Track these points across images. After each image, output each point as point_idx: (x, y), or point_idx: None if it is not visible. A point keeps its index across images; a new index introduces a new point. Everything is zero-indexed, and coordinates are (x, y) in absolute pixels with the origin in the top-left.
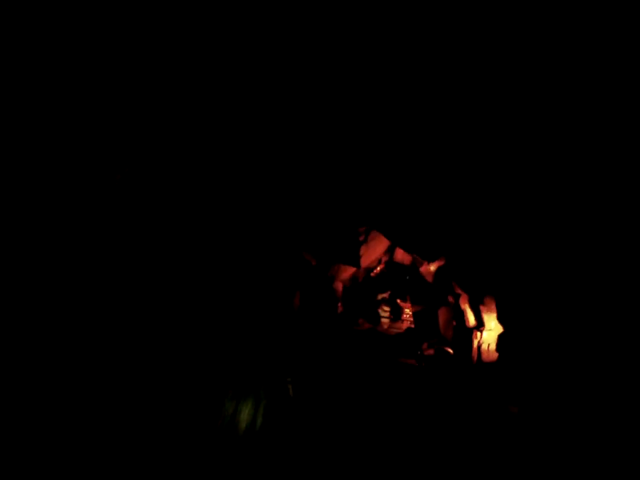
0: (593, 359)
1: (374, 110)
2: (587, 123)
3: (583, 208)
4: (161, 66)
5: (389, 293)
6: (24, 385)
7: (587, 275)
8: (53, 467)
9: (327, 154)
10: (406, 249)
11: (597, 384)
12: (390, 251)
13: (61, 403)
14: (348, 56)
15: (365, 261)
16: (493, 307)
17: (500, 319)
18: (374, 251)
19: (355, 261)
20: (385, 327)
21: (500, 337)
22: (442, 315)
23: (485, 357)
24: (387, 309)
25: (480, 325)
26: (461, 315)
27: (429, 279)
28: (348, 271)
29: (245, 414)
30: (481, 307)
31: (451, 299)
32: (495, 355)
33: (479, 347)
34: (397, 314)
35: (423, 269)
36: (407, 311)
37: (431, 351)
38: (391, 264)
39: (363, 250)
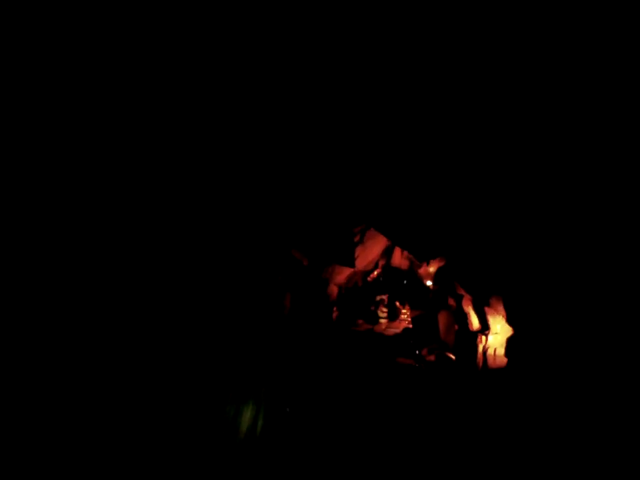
0: (610, 366)
1: (372, 105)
2: (586, 122)
3: (593, 200)
4: (160, 66)
5: (387, 295)
6: (26, 386)
7: (603, 271)
8: (54, 468)
9: (322, 149)
10: (405, 248)
11: (617, 394)
12: (387, 253)
13: (64, 406)
14: (347, 55)
15: (361, 263)
16: (500, 308)
17: (509, 321)
18: (370, 252)
19: (350, 262)
20: (383, 327)
21: (509, 340)
22: (442, 319)
23: (491, 362)
24: (384, 309)
25: (485, 328)
26: (464, 318)
27: (429, 280)
28: (343, 274)
29: (246, 417)
30: (486, 309)
31: (452, 301)
32: (503, 361)
33: (485, 352)
34: (394, 314)
35: (421, 271)
36: (405, 311)
37: (432, 357)
38: (388, 268)
39: (358, 251)
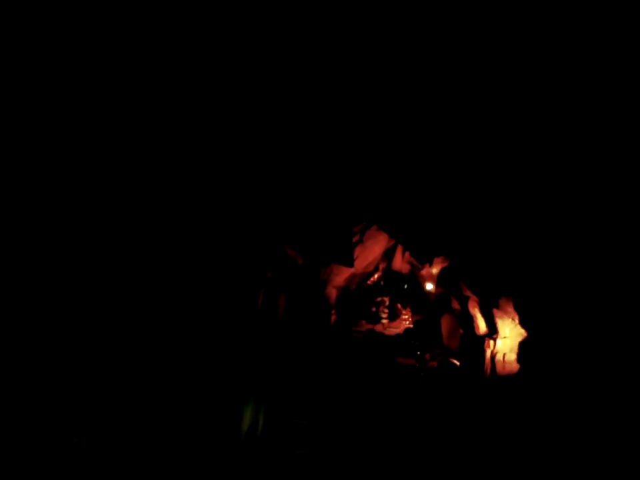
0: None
1: (373, 101)
2: (587, 122)
3: (608, 192)
4: (159, 66)
5: (388, 297)
6: (26, 386)
7: (620, 266)
8: (54, 468)
9: (322, 143)
10: (406, 247)
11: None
12: (388, 255)
13: (65, 406)
14: (345, 52)
15: (361, 264)
16: (510, 309)
17: (522, 323)
18: (371, 253)
19: (349, 263)
20: (384, 327)
21: (522, 344)
22: (445, 323)
23: (500, 369)
24: (385, 310)
25: (493, 332)
26: (470, 322)
27: (431, 282)
28: (342, 275)
29: (247, 417)
30: (494, 311)
31: (456, 304)
32: (515, 367)
33: (493, 357)
34: (395, 314)
35: (424, 272)
36: (406, 313)
37: (435, 363)
38: (389, 272)
39: (358, 251)
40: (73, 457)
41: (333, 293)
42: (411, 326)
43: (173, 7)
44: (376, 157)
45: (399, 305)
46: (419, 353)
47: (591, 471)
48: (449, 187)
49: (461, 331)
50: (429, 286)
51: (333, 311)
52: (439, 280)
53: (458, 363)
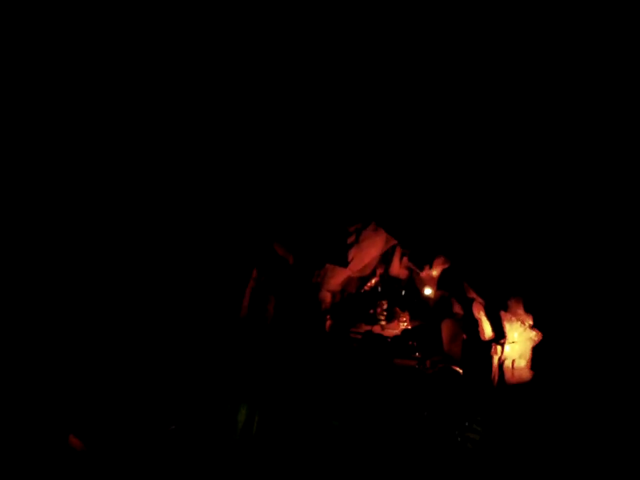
0: None
1: (373, 95)
2: (590, 121)
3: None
4: (159, 67)
5: (386, 301)
6: (25, 386)
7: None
8: (53, 467)
9: (316, 141)
10: (405, 248)
11: None
12: (385, 258)
13: (62, 403)
14: (340, 50)
15: (356, 266)
16: (520, 311)
17: (536, 326)
18: (367, 254)
19: (343, 264)
20: (382, 328)
21: (535, 349)
22: (446, 328)
23: (509, 376)
24: (383, 311)
25: (499, 336)
26: (474, 326)
27: (431, 287)
28: (337, 278)
29: (242, 415)
30: (502, 314)
31: (457, 308)
32: (525, 374)
33: (501, 364)
34: (392, 316)
35: (424, 275)
36: (404, 316)
37: (435, 371)
38: (386, 277)
39: (353, 253)
40: (71, 456)
41: (327, 296)
42: (409, 327)
43: (172, 7)
44: (372, 154)
45: (397, 309)
46: (417, 354)
47: None
48: (448, 183)
49: (464, 336)
50: (428, 291)
51: (328, 316)
52: (439, 282)
53: (461, 371)
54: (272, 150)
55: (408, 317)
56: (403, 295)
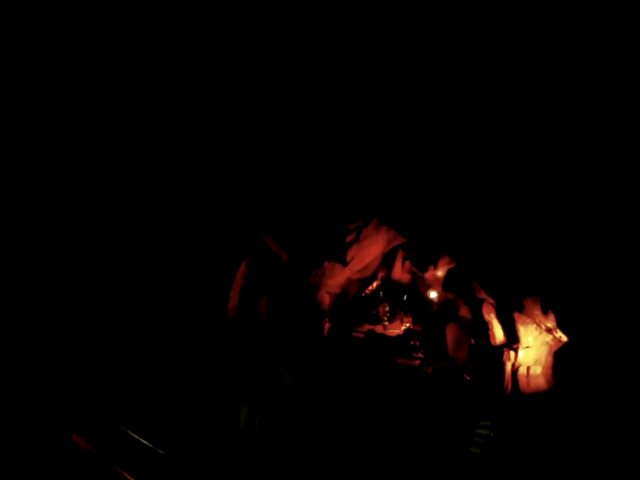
0: None
1: (374, 89)
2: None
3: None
4: (157, 67)
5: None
6: (26, 386)
7: None
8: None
9: (315, 135)
10: (408, 247)
11: None
12: (387, 264)
13: (60, 401)
14: (335, 47)
15: (357, 266)
16: (537, 312)
17: (560, 327)
18: (368, 254)
19: (343, 264)
20: (384, 328)
21: (557, 354)
22: (451, 332)
23: (523, 385)
24: (386, 311)
25: (512, 341)
26: (484, 330)
27: (434, 290)
28: (336, 279)
29: (244, 412)
30: (516, 316)
31: (464, 311)
32: (542, 383)
33: (515, 371)
34: (395, 316)
35: (428, 276)
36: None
37: (440, 376)
38: (388, 281)
39: (353, 252)
40: (72, 455)
41: (325, 298)
42: (411, 326)
43: (172, 7)
44: (374, 149)
45: (400, 312)
46: (420, 354)
47: None
48: (452, 175)
49: (472, 341)
50: (432, 294)
51: (327, 320)
52: (445, 283)
53: (468, 378)
54: (266, 138)
55: (411, 319)
56: (405, 299)
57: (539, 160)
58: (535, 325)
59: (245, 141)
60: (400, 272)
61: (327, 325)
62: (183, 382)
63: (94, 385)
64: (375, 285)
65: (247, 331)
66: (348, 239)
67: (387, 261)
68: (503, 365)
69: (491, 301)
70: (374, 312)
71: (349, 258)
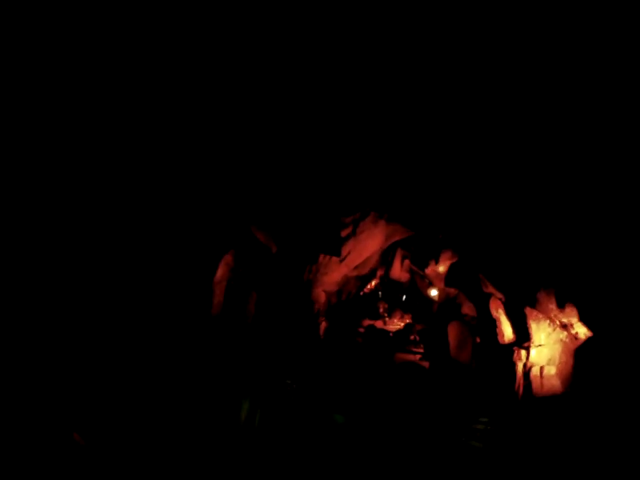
0: None
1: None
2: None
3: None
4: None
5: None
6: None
7: None
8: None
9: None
10: (410, 240)
11: None
12: (385, 260)
13: (61, 401)
14: (332, 40)
15: (353, 261)
16: (552, 307)
17: (583, 320)
18: (365, 248)
19: (339, 259)
20: (384, 323)
21: (578, 351)
22: (453, 331)
23: (537, 387)
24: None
25: (522, 338)
26: (490, 327)
27: (438, 283)
28: (332, 276)
29: (245, 408)
30: (527, 311)
31: (467, 308)
32: (556, 384)
33: (527, 372)
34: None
35: (429, 271)
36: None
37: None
38: (387, 281)
39: (350, 246)
40: (73, 454)
41: (321, 296)
42: (411, 321)
43: (172, 7)
44: (369, 140)
45: (399, 310)
46: (421, 349)
47: None
48: (452, 164)
49: (477, 339)
50: (432, 292)
51: (322, 319)
52: (447, 279)
53: (471, 379)
54: (255, 122)
55: (410, 317)
56: (403, 300)
57: (552, 141)
58: (548, 321)
59: (230, 125)
60: (399, 271)
61: (323, 325)
62: (183, 379)
63: (92, 384)
64: (373, 283)
65: (234, 329)
66: (344, 233)
67: (385, 259)
68: (513, 365)
69: (499, 295)
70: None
71: (345, 253)
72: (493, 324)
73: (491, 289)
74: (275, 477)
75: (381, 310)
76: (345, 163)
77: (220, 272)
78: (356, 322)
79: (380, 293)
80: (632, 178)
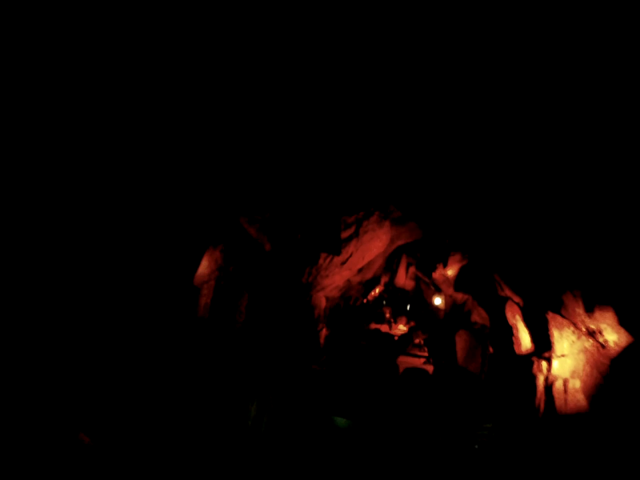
0: None
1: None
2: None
3: None
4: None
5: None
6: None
7: None
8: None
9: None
10: (415, 248)
11: None
12: (390, 267)
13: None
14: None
15: (356, 264)
16: (578, 310)
17: (623, 324)
18: (368, 250)
19: (340, 261)
20: (390, 328)
21: (617, 363)
22: (461, 340)
23: (561, 404)
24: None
25: (542, 347)
26: (505, 336)
27: (446, 288)
28: (333, 279)
29: (252, 412)
30: (550, 317)
31: (477, 316)
32: (581, 400)
33: (549, 386)
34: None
35: (437, 276)
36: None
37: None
38: (391, 289)
39: (352, 247)
40: (79, 454)
41: (322, 301)
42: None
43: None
44: (373, 137)
45: (404, 317)
46: (425, 352)
47: None
48: (460, 161)
49: (491, 349)
50: (437, 301)
51: (323, 325)
52: (456, 284)
53: (481, 394)
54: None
55: (414, 323)
56: (408, 309)
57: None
58: (572, 327)
59: (223, 113)
60: (404, 278)
61: (324, 332)
62: (189, 381)
63: (98, 386)
64: (377, 291)
65: (223, 333)
66: (346, 234)
67: (390, 266)
68: (532, 378)
69: (517, 299)
70: (379, 311)
71: (347, 255)
72: (508, 332)
73: (507, 292)
74: None
75: (387, 315)
76: (349, 157)
77: (205, 268)
78: (360, 326)
79: (384, 302)
80: None
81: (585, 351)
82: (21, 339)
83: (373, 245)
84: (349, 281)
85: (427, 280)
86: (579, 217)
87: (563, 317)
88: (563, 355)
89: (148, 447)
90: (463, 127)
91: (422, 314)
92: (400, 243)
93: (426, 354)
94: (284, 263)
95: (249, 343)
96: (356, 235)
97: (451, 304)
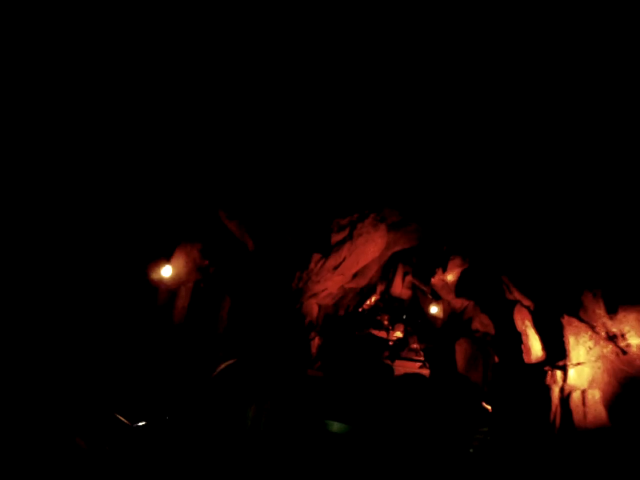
0: None
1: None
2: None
3: None
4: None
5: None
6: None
7: None
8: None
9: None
10: (411, 254)
11: None
12: (386, 276)
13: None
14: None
15: (350, 269)
16: (599, 311)
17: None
18: (363, 254)
19: (333, 265)
20: (387, 335)
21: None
22: (461, 350)
23: (579, 418)
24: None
25: (556, 356)
26: (514, 343)
27: (446, 294)
28: (325, 285)
29: (250, 413)
30: (565, 321)
31: (478, 323)
32: (601, 412)
33: (565, 398)
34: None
35: (436, 281)
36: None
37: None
38: (387, 297)
39: (345, 251)
40: (77, 459)
41: (313, 309)
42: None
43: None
44: (369, 137)
45: (401, 324)
46: (421, 357)
47: None
48: (461, 159)
49: (496, 359)
50: (434, 309)
51: (314, 334)
52: (457, 289)
53: (489, 408)
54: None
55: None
56: (404, 318)
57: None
58: (589, 332)
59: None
60: (400, 287)
61: (316, 341)
62: (186, 384)
63: (96, 388)
64: (373, 299)
65: (201, 340)
66: (339, 236)
67: (386, 275)
68: (545, 389)
69: (527, 302)
70: (378, 318)
71: (339, 259)
72: (515, 339)
73: (516, 295)
74: None
75: (386, 322)
76: (343, 157)
77: (182, 268)
78: (355, 333)
79: (380, 311)
80: None
81: (603, 357)
82: (17, 347)
83: (367, 248)
84: (342, 287)
85: (423, 288)
86: (596, 208)
87: (581, 320)
88: (579, 363)
89: (148, 447)
90: (461, 124)
91: (419, 323)
92: (397, 248)
93: (422, 358)
94: (270, 265)
95: (230, 351)
96: (350, 237)
97: (449, 312)
